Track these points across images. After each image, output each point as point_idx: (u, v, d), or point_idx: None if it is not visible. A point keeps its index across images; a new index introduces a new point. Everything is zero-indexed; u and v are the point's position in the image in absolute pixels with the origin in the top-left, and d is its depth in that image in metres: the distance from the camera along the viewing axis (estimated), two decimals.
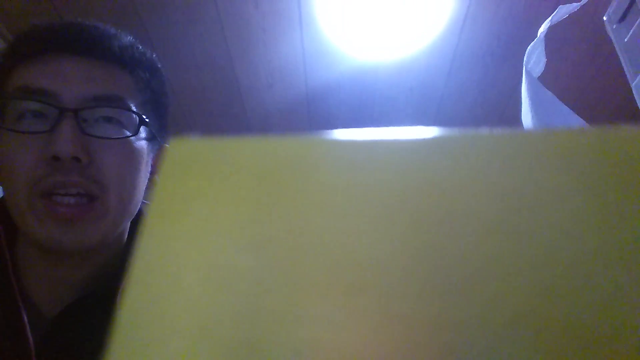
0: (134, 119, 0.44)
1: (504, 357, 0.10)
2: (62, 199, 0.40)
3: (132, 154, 0.44)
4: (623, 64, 0.78)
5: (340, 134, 0.15)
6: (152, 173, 0.48)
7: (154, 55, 0.50)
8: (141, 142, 0.45)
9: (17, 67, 0.43)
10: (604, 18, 0.83)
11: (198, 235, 0.13)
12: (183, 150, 0.15)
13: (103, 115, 0.43)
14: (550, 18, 0.69)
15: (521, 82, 0.73)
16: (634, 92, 0.75)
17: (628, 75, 0.77)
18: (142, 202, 0.47)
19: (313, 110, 1.44)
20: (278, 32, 1.18)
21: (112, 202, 0.42)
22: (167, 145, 0.15)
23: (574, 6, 0.68)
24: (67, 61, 0.43)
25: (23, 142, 0.40)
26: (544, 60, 0.70)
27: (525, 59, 0.72)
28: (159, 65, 0.50)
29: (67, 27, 0.45)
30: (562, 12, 0.68)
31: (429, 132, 0.14)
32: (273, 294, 0.12)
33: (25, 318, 0.40)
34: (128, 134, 0.43)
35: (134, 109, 0.44)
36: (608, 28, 0.82)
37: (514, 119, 0.82)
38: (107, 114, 0.43)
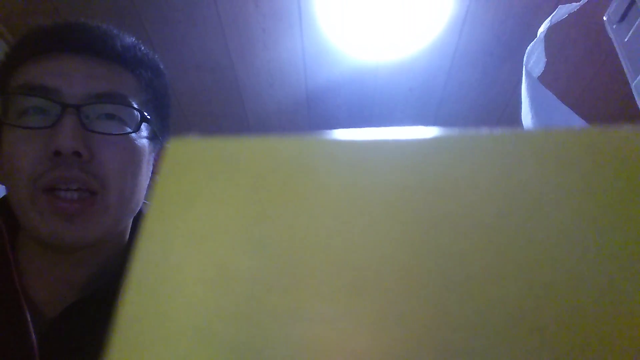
0: (135, 116, 0.44)
1: (504, 357, 0.10)
2: (65, 194, 0.40)
3: (133, 151, 0.44)
4: (623, 64, 0.78)
5: (340, 134, 0.15)
6: (154, 173, 0.49)
7: (156, 57, 0.50)
8: (142, 140, 0.45)
9: (19, 65, 0.43)
10: (604, 18, 0.83)
11: (198, 235, 0.13)
12: (183, 150, 0.15)
13: (105, 111, 0.43)
14: (550, 18, 0.69)
15: (521, 82, 0.72)
16: (634, 92, 0.75)
17: (628, 75, 0.77)
18: (143, 202, 0.47)
19: (313, 110, 1.44)
20: (278, 32, 1.17)
21: (112, 198, 0.42)
22: (167, 145, 0.15)
23: (574, 6, 0.67)
24: (70, 60, 0.43)
25: (25, 137, 0.41)
26: (544, 60, 0.70)
27: (525, 59, 0.72)
28: (162, 67, 0.51)
29: (70, 26, 0.45)
30: (562, 12, 0.68)
31: (429, 132, 0.14)
32: (273, 294, 0.12)
33: (29, 319, 0.40)
34: (129, 130, 0.44)
35: (135, 106, 0.44)
36: (608, 28, 0.82)
37: (514, 119, 0.82)
38: (109, 111, 0.43)
